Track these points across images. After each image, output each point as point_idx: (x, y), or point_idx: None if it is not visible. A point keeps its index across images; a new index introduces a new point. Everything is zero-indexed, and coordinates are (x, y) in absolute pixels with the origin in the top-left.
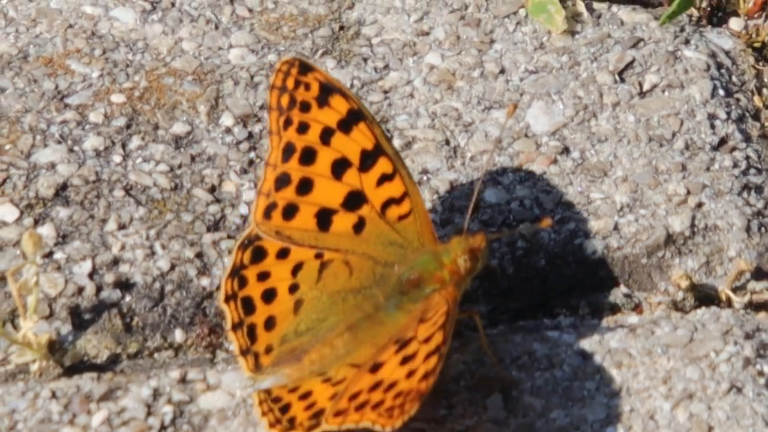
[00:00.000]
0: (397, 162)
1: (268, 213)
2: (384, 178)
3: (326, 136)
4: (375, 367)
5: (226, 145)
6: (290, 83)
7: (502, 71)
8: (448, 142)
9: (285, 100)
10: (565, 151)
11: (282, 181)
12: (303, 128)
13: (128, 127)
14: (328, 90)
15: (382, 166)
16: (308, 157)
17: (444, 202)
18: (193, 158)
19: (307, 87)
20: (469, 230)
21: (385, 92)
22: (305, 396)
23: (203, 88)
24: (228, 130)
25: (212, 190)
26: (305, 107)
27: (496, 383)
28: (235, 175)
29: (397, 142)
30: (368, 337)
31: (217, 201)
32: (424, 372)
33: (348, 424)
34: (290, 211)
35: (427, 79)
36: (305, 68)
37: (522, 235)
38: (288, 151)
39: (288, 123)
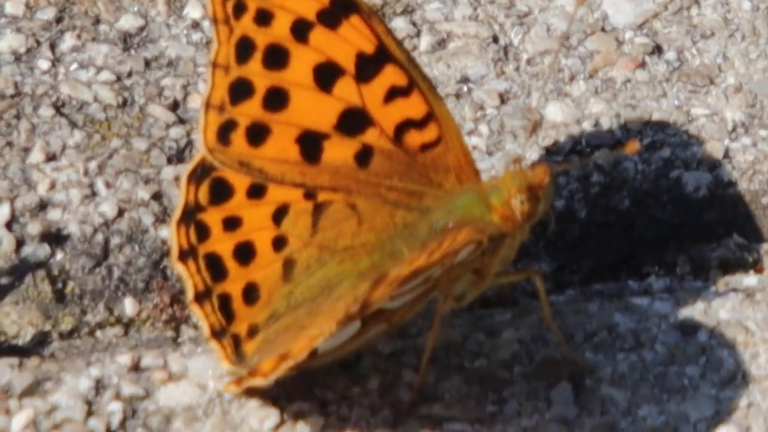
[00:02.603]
0: (412, 70)
1: (224, 135)
2: (395, 93)
3: (301, 30)
4: None
5: (193, 44)
6: None
7: None
8: (496, 40)
9: None
10: (657, 50)
11: (240, 90)
12: (264, 18)
13: (59, 21)
14: None
15: (391, 75)
16: (276, 57)
17: (491, 121)
18: (147, 63)
19: None
20: (526, 160)
21: None
22: (282, 354)
23: None
24: (195, 25)
25: (174, 106)
26: None
27: (564, 369)
28: (205, 85)
29: (426, 40)
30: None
31: (181, 121)
32: None
33: (307, 349)
34: (258, 134)
35: None
36: None
37: (598, 165)
38: (244, 47)
39: (240, 9)
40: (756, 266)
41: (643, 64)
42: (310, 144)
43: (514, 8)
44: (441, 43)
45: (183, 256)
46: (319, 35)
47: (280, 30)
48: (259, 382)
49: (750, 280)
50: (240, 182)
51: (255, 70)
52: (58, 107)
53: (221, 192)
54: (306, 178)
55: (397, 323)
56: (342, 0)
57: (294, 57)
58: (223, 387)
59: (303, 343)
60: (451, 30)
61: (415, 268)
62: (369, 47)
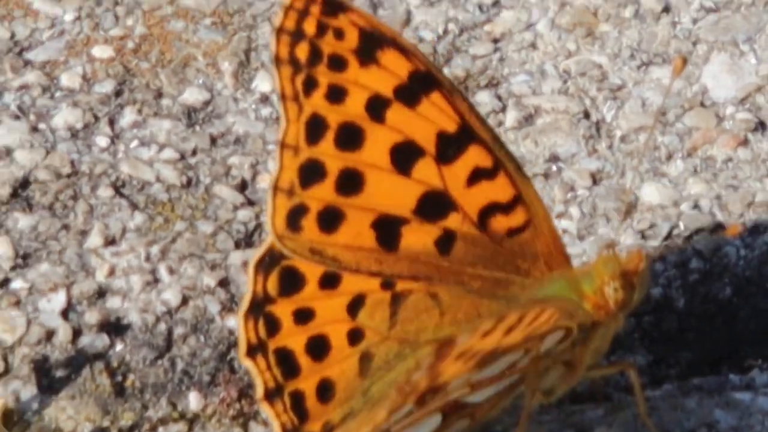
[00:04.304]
0: (498, 151)
1: (294, 220)
2: (479, 174)
3: (377, 107)
4: None
5: (262, 120)
6: (309, 28)
7: (666, 9)
8: (587, 115)
9: (303, 52)
10: (760, 126)
11: (311, 172)
12: (336, 95)
13: (118, 94)
14: (374, 41)
15: (475, 156)
16: (350, 137)
17: (583, 203)
18: (213, 140)
19: (339, 35)
20: (620, 245)
21: (495, 41)
22: None
23: (228, 36)
24: (264, 99)
25: (242, 187)
26: (338, 64)
27: None
28: (275, 164)
29: (512, 115)
30: None
31: (250, 203)
32: None
33: None
34: (331, 219)
35: (557, 22)
36: (334, 7)
37: (698, 250)
38: (315, 126)
39: (311, 85)
40: None
41: (745, 142)
42: (388, 230)
43: (607, 81)
44: (528, 119)
45: (252, 351)
46: (396, 113)
47: (354, 108)
48: None
49: None
50: (312, 271)
51: (327, 150)
52: (118, 187)
53: (292, 282)
54: (383, 266)
55: (481, 419)
56: (421, 75)
57: (369, 137)
58: None
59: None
60: (539, 104)
61: (491, 345)
62: (451, 126)
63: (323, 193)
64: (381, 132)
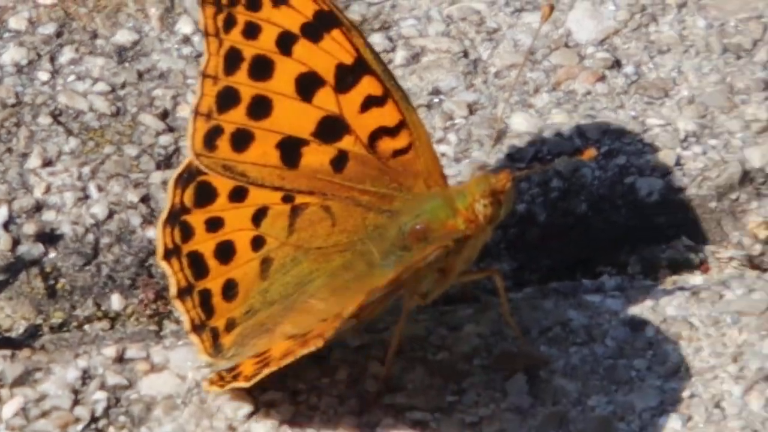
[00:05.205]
0: (387, 82)
1: (210, 141)
2: (371, 102)
3: (286, 43)
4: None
5: (183, 58)
6: None
7: None
8: (466, 54)
9: None
10: (616, 64)
11: (227, 99)
12: (252, 31)
13: (59, 35)
14: None
15: (368, 86)
16: (262, 68)
17: (460, 130)
18: (140, 75)
19: None
20: (490, 167)
21: None
22: (261, 354)
23: None
24: (186, 40)
25: (164, 115)
26: (253, 4)
27: (520, 361)
28: (193, 96)
29: (401, 54)
30: (355, 294)
31: (170, 130)
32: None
33: (288, 360)
34: (242, 140)
35: None
36: None
37: (558, 171)
38: (232, 59)
39: (230, 23)
40: (702, 266)
41: (603, 78)
42: (290, 150)
43: (484, 25)
44: (415, 57)
45: (168, 254)
46: (302, 48)
47: (266, 42)
48: (241, 384)
49: (696, 279)
50: (223, 186)
51: (241, 80)
52: (56, 116)
53: (205, 195)
54: (285, 181)
55: (366, 319)
56: (324, 14)
57: (278, 68)
58: (205, 387)
59: (283, 350)
60: (425, 45)
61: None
62: (348, 59)
63: (236, 117)
64: (288, 64)
